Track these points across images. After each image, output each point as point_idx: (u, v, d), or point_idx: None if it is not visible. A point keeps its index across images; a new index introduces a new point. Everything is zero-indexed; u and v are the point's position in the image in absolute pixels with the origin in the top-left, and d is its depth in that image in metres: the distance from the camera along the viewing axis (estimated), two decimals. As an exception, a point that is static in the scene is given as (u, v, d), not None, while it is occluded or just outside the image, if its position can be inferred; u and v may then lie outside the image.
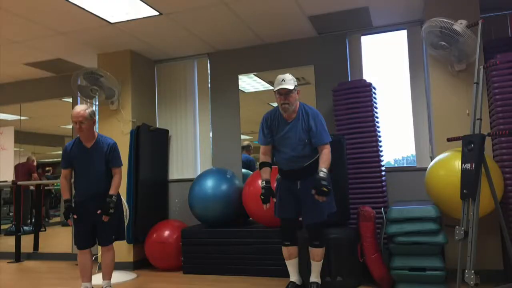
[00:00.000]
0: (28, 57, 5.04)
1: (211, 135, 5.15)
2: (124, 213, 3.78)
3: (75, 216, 3.35)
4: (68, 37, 4.46)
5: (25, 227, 5.94)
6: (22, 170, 6.06)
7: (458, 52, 3.52)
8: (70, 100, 5.77)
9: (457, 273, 2.88)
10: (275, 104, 3.34)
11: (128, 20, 4.08)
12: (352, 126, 4.06)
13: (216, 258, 4.21)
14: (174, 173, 5.31)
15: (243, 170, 4.96)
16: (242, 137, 5.02)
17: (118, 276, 4.07)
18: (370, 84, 4.07)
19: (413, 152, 4.39)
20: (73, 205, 3.40)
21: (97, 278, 3.67)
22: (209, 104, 5.18)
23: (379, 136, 4.12)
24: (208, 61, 5.21)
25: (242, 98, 5.05)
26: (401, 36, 4.49)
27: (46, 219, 6.31)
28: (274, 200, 3.31)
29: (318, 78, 4.69)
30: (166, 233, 4.47)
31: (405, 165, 4.44)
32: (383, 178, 4.04)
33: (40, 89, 5.92)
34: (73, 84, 4.66)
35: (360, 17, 4.25)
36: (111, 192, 3.37)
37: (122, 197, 3.63)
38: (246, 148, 5.04)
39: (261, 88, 5.18)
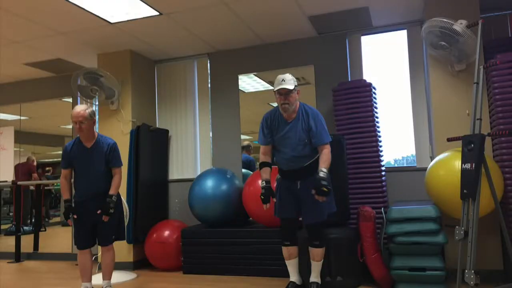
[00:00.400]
0: (28, 57, 5.04)
1: (211, 135, 5.15)
2: (124, 213, 3.78)
3: (75, 216, 3.35)
4: (68, 37, 4.46)
5: (25, 227, 5.94)
6: (22, 170, 6.06)
7: (458, 52, 3.52)
8: (70, 100, 5.77)
9: (457, 273, 2.88)
10: (275, 104, 3.34)
11: (128, 20, 4.08)
12: (352, 126, 4.06)
13: (216, 258, 4.21)
14: (174, 173, 5.31)
15: (243, 170, 4.96)
16: (242, 137, 5.02)
17: (118, 276, 4.07)
18: (370, 84, 4.07)
19: (413, 152, 4.39)
20: (73, 205, 3.40)
21: (97, 278, 3.67)
22: (209, 104, 5.19)
23: (379, 136, 4.12)
24: (208, 61, 5.21)
25: (242, 98, 5.05)
26: (401, 36, 4.49)
27: (46, 219, 6.31)
28: (274, 200, 3.31)
29: (318, 78, 4.69)
30: (166, 233, 4.47)
31: (405, 165, 4.44)
32: (383, 178, 4.04)
33: (40, 89, 5.92)
34: (73, 84, 4.66)
35: (360, 17, 4.25)
36: (111, 192, 3.37)
37: (122, 197, 3.63)
38: (246, 148, 5.04)
39: (261, 88, 5.18)
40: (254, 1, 3.78)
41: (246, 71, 5.03)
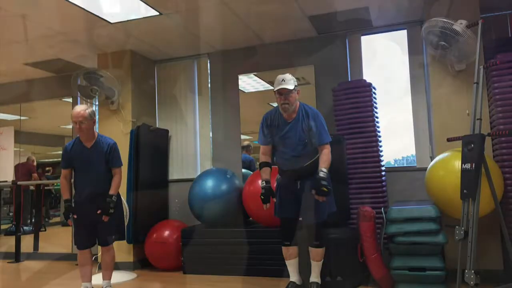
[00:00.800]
0: (28, 57, 5.04)
1: (211, 135, 5.15)
2: (124, 213, 3.78)
3: (75, 216, 3.36)
4: (68, 37, 4.46)
5: (25, 227, 5.95)
6: (22, 170, 6.06)
7: (458, 52, 3.52)
8: (70, 100, 5.77)
9: (457, 273, 2.88)
10: (275, 104, 3.34)
11: (128, 20, 4.08)
12: (352, 126, 4.05)
13: (216, 258, 4.21)
14: (174, 173, 5.30)
15: (243, 170, 4.96)
16: (242, 137, 5.02)
17: (118, 276, 4.07)
18: (370, 84, 4.06)
19: (413, 152, 4.38)
20: (73, 205, 3.40)
21: (97, 278, 3.67)
22: (209, 104, 5.18)
23: (379, 136, 4.12)
24: (208, 61, 5.21)
25: (242, 98, 5.04)
26: (401, 36, 4.49)
27: (46, 219, 6.32)
28: (274, 200, 3.31)
29: (318, 78, 4.69)
30: (166, 233, 4.47)
31: (405, 165, 4.44)
32: (383, 178, 4.04)
33: (40, 89, 5.92)
34: (73, 84, 4.67)
35: (360, 17, 4.24)
36: (111, 192, 3.37)
37: (122, 197, 3.63)
38: (246, 148, 5.04)
39: (261, 88, 5.18)
40: (254, 1, 3.78)
41: (246, 71, 5.02)
